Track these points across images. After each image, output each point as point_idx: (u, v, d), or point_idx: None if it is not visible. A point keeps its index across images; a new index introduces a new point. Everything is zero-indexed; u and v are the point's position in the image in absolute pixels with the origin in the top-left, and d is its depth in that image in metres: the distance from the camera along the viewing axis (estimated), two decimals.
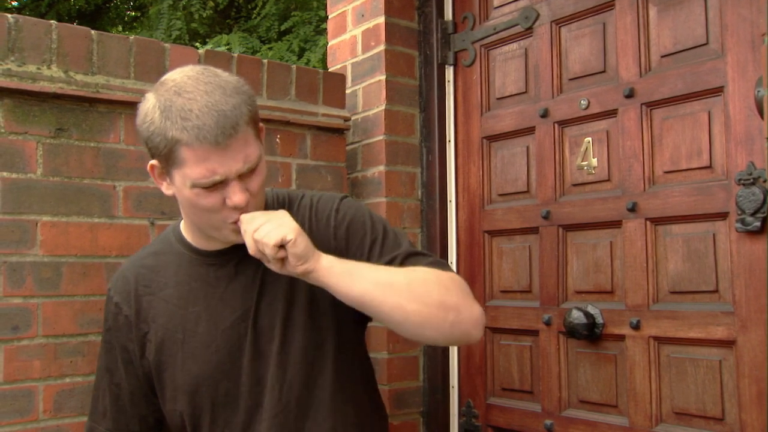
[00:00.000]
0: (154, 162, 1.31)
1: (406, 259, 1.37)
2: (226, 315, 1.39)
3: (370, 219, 1.42)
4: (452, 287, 1.32)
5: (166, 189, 1.33)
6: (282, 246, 1.22)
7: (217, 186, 1.24)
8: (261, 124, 1.35)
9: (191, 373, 1.39)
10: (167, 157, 1.24)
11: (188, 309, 1.41)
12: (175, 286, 1.42)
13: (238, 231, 1.30)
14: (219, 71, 1.28)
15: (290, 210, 1.42)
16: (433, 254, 1.49)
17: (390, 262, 1.36)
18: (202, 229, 1.38)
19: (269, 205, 1.43)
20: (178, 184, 1.28)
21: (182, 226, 1.47)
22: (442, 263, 1.40)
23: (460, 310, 1.30)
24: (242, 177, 1.25)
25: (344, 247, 1.38)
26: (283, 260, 1.25)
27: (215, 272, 1.40)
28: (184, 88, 1.21)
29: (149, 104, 1.25)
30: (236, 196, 1.24)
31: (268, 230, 1.22)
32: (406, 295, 1.27)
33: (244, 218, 1.26)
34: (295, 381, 1.37)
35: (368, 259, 1.37)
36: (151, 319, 1.43)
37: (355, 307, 1.30)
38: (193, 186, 1.24)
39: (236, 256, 1.39)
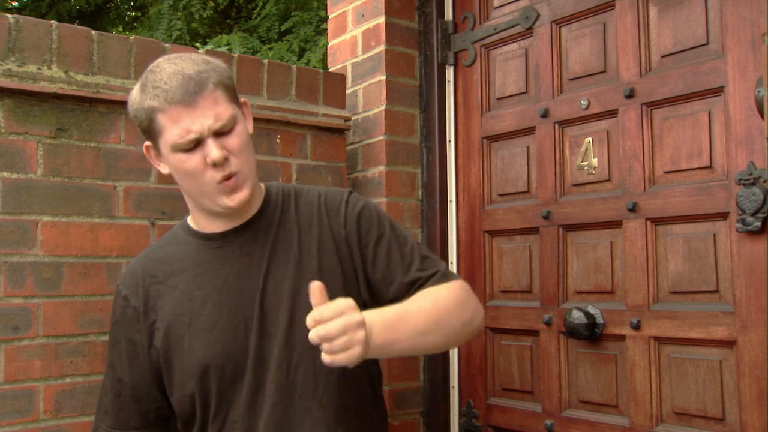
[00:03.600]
0: (147, 142, 1.41)
1: (421, 264, 1.46)
2: (231, 296, 1.41)
3: (377, 215, 1.50)
4: (465, 301, 1.43)
5: (162, 168, 1.41)
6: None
7: (196, 147, 1.31)
8: (244, 100, 1.43)
9: (198, 354, 1.40)
10: (150, 129, 1.35)
11: (194, 293, 1.42)
12: (181, 273, 1.45)
13: (228, 193, 1.35)
14: (197, 54, 1.39)
15: (296, 202, 1.49)
16: (435, 255, 1.54)
17: (405, 267, 1.45)
18: (200, 203, 1.41)
19: (274, 197, 1.48)
20: (165, 155, 1.36)
21: (189, 218, 1.51)
22: (450, 274, 1.49)
23: (474, 320, 1.44)
24: (218, 136, 1.32)
25: (353, 236, 1.46)
26: None
27: (220, 254, 1.43)
28: (158, 67, 1.34)
29: (134, 89, 1.38)
30: (212, 152, 1.30)
31: (341, 358, 1.18)
32: (437, 336, 1.36)
33: (318, 322, 1.18)
34: (301, 361, 1.38)
35: (374, 250, 1.46)
36: (159, 307, 1.45)
37: None
38: (175, 150, 1.32)
39: (241, 237, 1.42)
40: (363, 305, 1.45)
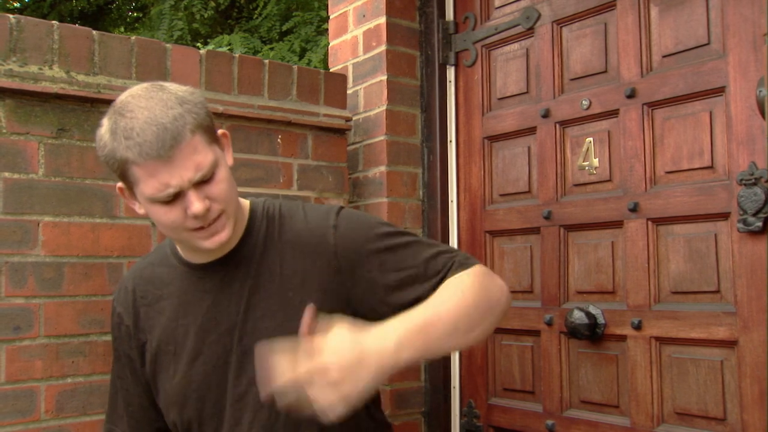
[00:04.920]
0: (120, 184, 1.31)
1: (433, 266, 1.35)
2: (212, 328, 1.38)
3: (373, 233, 1.38)
4: (482, 290, 1.32)
5: (138, 209, 1.32)
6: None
7: (176, 198, 1.22)
8: (222, 131, 1.33)
9: (180, 385, 1.39)
10: (124, 177, 1.25)
11: (179, 321, 1.40)
12: (168, 298, 1.42)
13: (207, 237, 1.28)
14: (166, 85, 1.26)
15: (280, 228, 1.39)
16: (442, 246, 1.43)
17: (418, 281, 1.34)
18: (178, 241, 1.37)
19: (258, 222, 1.40)
20: (141, 201, 1.27)
21: None
22: (466, 261, 1.37)
23: (499, 305, 1.34)
24: (199, 186, 1.22)
25: (346, 269, 1.35)
26: None
27: (203, 285, 1.39)
28: (127, 108, 1.22)
29: (102, 129, 1.25)
30: (194, 205, 1.21)
31: (324, 407, 1.12)
32: (463, 334, 1.26)
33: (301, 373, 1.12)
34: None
35: (379, 277, 1.34)
36: (147, 330, 1.44)
37: None
38: (152, 202, 1.23)
39: (223, 269, 1.38)
40: None
